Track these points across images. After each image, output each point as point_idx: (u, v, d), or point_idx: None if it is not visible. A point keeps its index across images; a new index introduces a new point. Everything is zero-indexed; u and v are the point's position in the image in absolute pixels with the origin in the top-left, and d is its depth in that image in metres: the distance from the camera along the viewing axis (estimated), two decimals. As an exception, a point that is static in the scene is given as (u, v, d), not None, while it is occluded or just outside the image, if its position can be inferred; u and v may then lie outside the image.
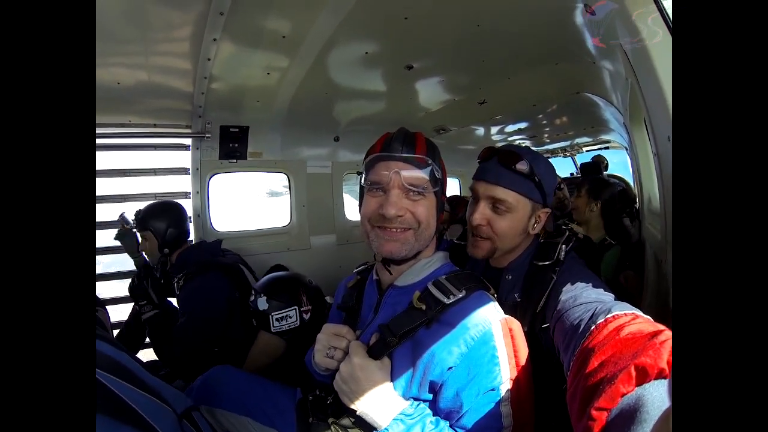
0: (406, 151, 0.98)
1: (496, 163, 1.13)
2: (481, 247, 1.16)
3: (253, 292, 1.70)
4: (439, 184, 1.02)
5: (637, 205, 2.31)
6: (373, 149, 1.03)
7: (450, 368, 0.88)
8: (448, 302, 0.94)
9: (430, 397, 0.92)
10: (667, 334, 0.57)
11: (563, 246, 1.12)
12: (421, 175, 0.97)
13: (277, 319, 1.62)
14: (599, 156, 3.65)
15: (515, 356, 0.91)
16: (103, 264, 2.63)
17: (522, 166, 1.10)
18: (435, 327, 0.94)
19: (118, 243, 2.34)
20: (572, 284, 0.99)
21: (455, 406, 0.88)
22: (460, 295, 0.95)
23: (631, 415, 0.46)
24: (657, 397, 0.46)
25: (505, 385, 0.88)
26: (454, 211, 3.15)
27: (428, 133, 3.39)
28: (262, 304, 1.63)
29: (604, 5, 1.16)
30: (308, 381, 1.23)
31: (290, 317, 1.64)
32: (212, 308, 1.91)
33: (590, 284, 0.97)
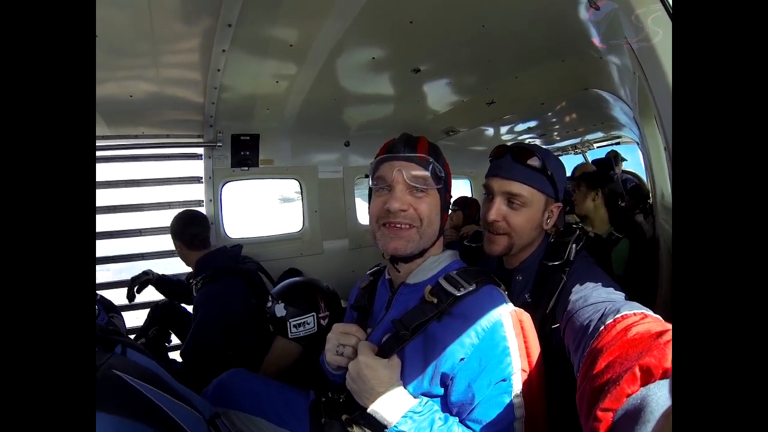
0: (408, 151, 1.03)
1: (510, 160, 1.16)
2: (498, 243, 1.17)
3: (270, 298, 1.70)
4: (442, 182, 1.05)
5: (651, 201, 2.26)
6: (379, 153, 1.08)
7: (461, 359, 0.90)
8: (459, 294, 0.96)
9: (441, 391, 0.93)
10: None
11: (573, 245, 1.12)
12: (423, 172, 1.02)
13: (294, 326, 1.62)
14: (613, 151, 3.59)
15: (526, 347, 0.92)
16: (113, 270, 2.70)
17: (534, 161, 1.14)
18: (446, 320, 0.96)
19: (127, 252, 2.48)
20: (582, 284, 0.98)
21: (467, 398, 0.89)
22: (471, 288, 0.97)
23: (635, 415, 0.45)
24: (661, 397, 0.45)
25: (517, 376, 0.89)
26: (466, 212, 3.14)
27: (437, 135, 3.39)
28: (280, 310, 1.63)
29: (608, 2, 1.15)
30: (322, 383, 1.24)
31: (308, 324, 1.64)
32: (224, 314, 1.93)
33: (600, 284, 0.96)
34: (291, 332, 1.62)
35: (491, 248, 1.19)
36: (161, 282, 2.46)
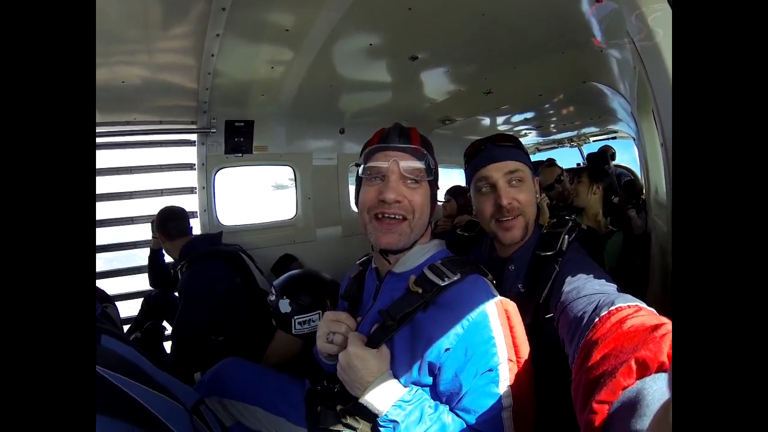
0: (403, 141, 1.03)
1: (495, 145, 1.21)
2: (516, 226, 1.18)
3: (273, 291, 1.66)
4: (433, 174, 1.06)
5: (644, 196, 2.28)
6: (371, 142, 1.08)
7: (447, 350, 0.90)
8: (443, 284, 0.96)
9: (430, 380, 0.94)
10: (668, 327, 0.57)
11: (566, 236, 1.13)
12: (417, 164, 1.02)
13: (299, 323, 1.59)
14: (606, 146, 3.60)
15: (512, 336, 0.93)
16: (104, 259, 2.68)
17: (511, 141, 1.22)
18: (431, 310, 0.96)
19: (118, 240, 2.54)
20: (575, 275, 0.99)
21: (454, 387, 0.91)
22: (455, 278, 0.98)
23: (631, 408, 0.46)
24: (657, 390, 0.46)
25: (503, 365, 0.90)
26: (460, 201, 3.13)
27: (434, 124, 3.37)
28: (285, 306, 1.59)
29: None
30: (317, 372, 1.25)
31: (313, 321, 1.60)
32: (207, 295, 1.94)
33: (593, 275, 0.97)
34: (295, 329, 1.59)
35: (511, 235, 1.18)
36: (158, 255, 2.52)
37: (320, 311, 1.61)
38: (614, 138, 3.73)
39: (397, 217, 1.01)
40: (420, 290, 0.98)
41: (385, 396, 0.90)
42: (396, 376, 0.95)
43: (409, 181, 1.02)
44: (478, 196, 1.23)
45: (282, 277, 1.75)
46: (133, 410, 0.83)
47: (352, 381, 0.94)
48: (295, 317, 1.58)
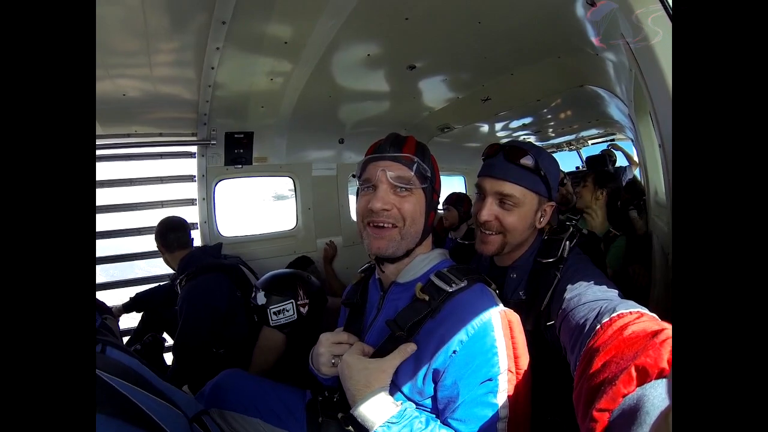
0: (393, 151, 1.04)
1: (502, 159, 1.15)
2: (492, 242, 1.16)
3: (254, 289, 1.77)
4: (428, 181, 1.05)
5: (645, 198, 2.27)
6: (366, 154, 1.09)
7: (451, 355, 0.90)
8: (451, 290, 0.96)
9: (432, 388, 0.93)
10: (669, 332, 0.56)
11: (567, 242, 1.12)
12: (406, 172, 1.02)
13: (274, 313, 1.69)
14: (608, 149, 3.59)
15: (513, 348, 0.92)
16: (103, 270, 2.68)
17: (527, 160, 1.12)
18: (438, 317, 0.96)
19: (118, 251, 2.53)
20: (577, 282, 0.98)
21: (452, 394, 0.90)
22: (462, 284, 0.97)
23: (632, 415, 0.45)
24: (657, 396, 0.45)
25: (503, 376, 0.89)
26: (460, 209, 3.13)
27: (432, 131, 3.38)
28: (261, 299, 1.70)
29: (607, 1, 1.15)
30: (318, 383, 1.24)
31: (287, 311, 1.71)
32: (211, 306, 1.95)
33: (594, 281, 0.96)
34: (272, 320, 1.69)
35: (485, 248, 1.18)
36: (137, 303, 2.47)
37: (293, 300, 1.72)
38: (612, 140, 3.73)
39: (386, 225, 1.01)
40: (427, 297, 0.97)
41: (375, 412, 0.88)
42: (400, 385, 0.95)
43: (399, 190, 1.02)
44: (476, 200, 1.22)
45: (263, 276, 1.86)
46: (130, 411, 0.85)
47: (346, 390, 0.94)
48: (270, 307, 1.69)
